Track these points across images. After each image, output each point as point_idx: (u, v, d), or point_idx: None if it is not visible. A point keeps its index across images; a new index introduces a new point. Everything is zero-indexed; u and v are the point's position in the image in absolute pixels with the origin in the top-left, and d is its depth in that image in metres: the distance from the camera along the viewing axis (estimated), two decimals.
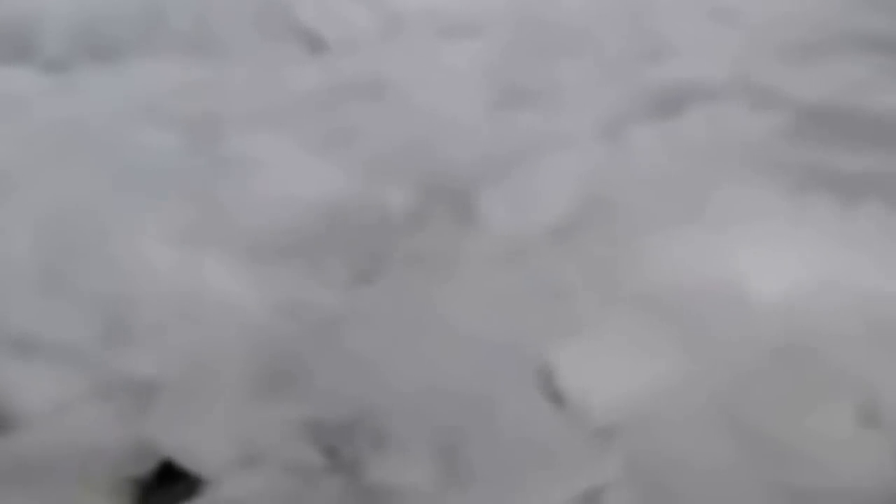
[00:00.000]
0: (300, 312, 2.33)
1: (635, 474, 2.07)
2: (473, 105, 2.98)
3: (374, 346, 2.27)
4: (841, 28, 3.34)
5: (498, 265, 2.43)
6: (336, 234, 2.56)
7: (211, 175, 2.66)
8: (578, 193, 2.65)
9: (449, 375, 2.20)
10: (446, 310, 2.31)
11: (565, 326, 2.25)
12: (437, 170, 2.75)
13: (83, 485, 2.11)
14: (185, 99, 2.90)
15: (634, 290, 2.31)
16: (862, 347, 2.18)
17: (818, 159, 2.83)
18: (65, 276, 2.38)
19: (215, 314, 2.31)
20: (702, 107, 3.05)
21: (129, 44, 3.15)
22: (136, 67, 3.05)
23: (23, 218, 2.54)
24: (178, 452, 2.15)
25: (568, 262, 2.40)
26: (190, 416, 2.17)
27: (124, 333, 2.30)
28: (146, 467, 2.17)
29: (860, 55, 3.22)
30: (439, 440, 2.13)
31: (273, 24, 3.34)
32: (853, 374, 2.15)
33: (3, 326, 2.32)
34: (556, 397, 2.17)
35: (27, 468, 2.10)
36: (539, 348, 2.21)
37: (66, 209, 2.52)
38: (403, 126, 2.90)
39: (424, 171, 2.75)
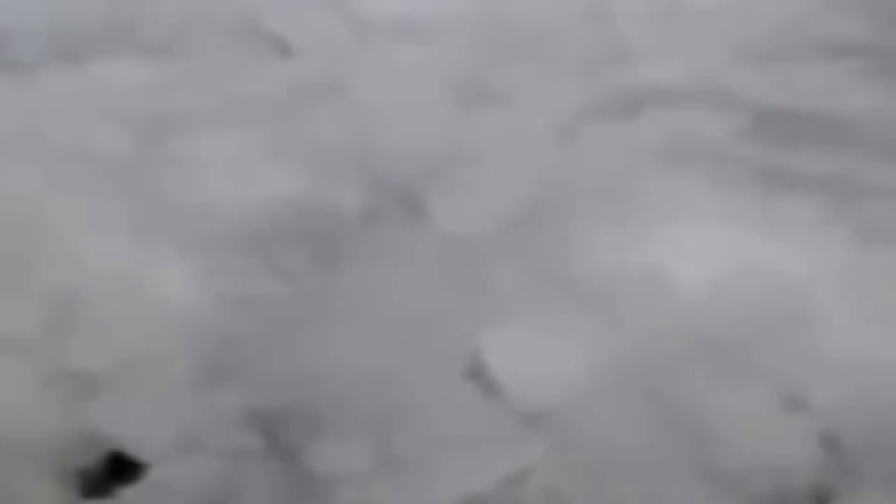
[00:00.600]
0: (244, 304, 2.39)
1: (561, 457, 2.13)
2: (430, 106, 3.04)
3: (314, 336, 2.32)
4: (800, 32, 3.38)
5: (440, 260, 2.48)
6: (286, 230, 2.62)
7: (163, 172, 2.72)
8: (527, 191, 2.71)
9: (383, 364, 2.27)
10: (385, 302, 2.37)
11: (496, 316, 2.31)
12: (390, 168, 2.81)
13: (29, 475, 2.16)
14: (144, 99, 2.96)
15: (565, 280, 2.38)
16: (783, 333, 2.24)
17: (771, 159, 2.88)
18: (11, 268, 2.43)
19: (160, 307, 2.36)
20: (659, 108, 3.09)
21: (94, 46, 3.21)
22: (99, 68, 3.11)
23: None
24: (122, 441, 2.20)
25: (507, 256, 2.46)
26: (133, 405, 2.22)
27: (69, 326, 2.35)
28: (92, 457, 2.21)
29: (818, 58, 3.27)
30: (373, 426, 2.18)
31: (240, 29, 3.39)
32: (775, 358, 2.20)
33: None
34: (486, 383, 2.23)
35: None
36: (470, 337, 2.27)
37: (13, 204, 2.57)
38: (359, 126, 2.96)
39: (377, 169, 2.81)
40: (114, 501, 2.14)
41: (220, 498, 2.10)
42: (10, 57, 3.18)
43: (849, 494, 2.10)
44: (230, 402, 2.22)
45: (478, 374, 2.24)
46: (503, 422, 2.18)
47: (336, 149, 2.88)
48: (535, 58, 3.31)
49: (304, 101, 3.04)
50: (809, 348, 2.25)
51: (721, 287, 2.35)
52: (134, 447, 2.20)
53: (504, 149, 2.88)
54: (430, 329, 2.30)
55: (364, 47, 3.33)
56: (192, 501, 2.10)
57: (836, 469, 2.14)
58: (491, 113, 3.06)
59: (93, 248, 2.47)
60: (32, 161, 2.72)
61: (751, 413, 2.15)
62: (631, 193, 2.69)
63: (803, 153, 2.87)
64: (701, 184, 2.70)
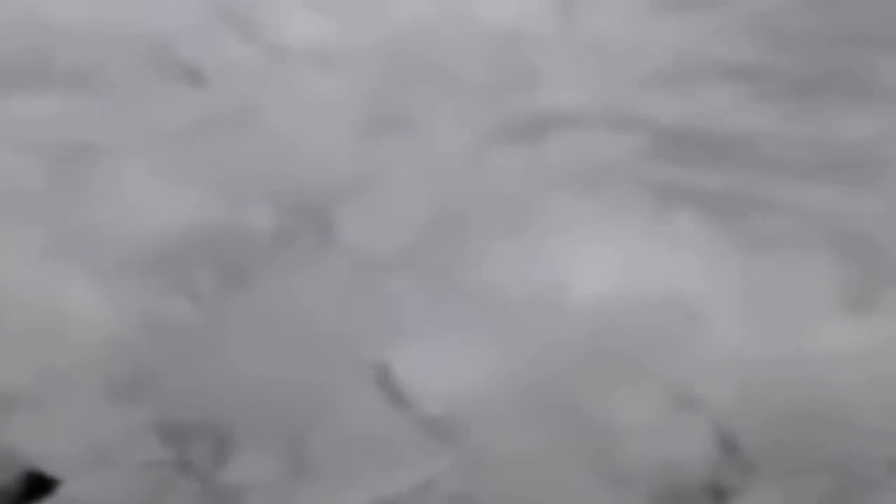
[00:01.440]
0: (156, 324, 2.44)
1: (467, 462, 2.20)
2: (340, 131, 3.11)
3: (225, 352, 2.39)
4: (698, 57, 3.49)
5: (348, 277, 2.56)
6: (198, 252, 2.68)
7: (77, 201, 2.77)
8: (432, 212, 2.79)
9: (295, 379, 2.33)
10: (294, 318, 2.44)
11: (402, 329, 2.39)
12: (300, 192, 2.88)
13: None
14: (59, 130, 3.01)
15: (466, 295, 2.48)
16: (673, 339, 2.34)
17: (668, 177, 2.99)
18: None
19: (74, 327, 2.41)
20: (563, 131, 3.19)
21: (8, 79, 3.25)
22: (13, 102, 3.15)
23: None
24: (37, 458, 2.24)
25: (412, 273, 2.54)
26: (47, 422, 2.27)
27: None
28: (9, 475, 2.25)
29: (715, 82, 3.38)
30: (286, 438, 2.25)
31: (154, 59, 3.44)
32: (667, 362, 2.30)
33: None
34: (393, 394, 2.31)
35: None
36: (377, 349, 2.35)
37: None
38: (270, 152, 3.02)
39: (288, 193, 2.88)
40: None
41: None
42: None
43: (744, 488, 2.20)
44: (142, 418, 2.28)
45: (385, 384, 2.32)
46: (411, 430, 2.26)
47: (248, 173, 2.95)
48: (444, 85, 3.39)
49: (217, 129, 3.11)
50: (699, 352, 2.37)
51: (614, 297, 2.47)
52: (48, 464, 2.25)
53: (411, 172, 2.96)
54: (339, 342, 2.38)
55: (277, 75, 3.40)
56: None
57: (731, 464, 2.23)
58: (399, 138, 3.13)
59: (8, 272, 2.52)
60: None
61: (646, 414, 2.25)
62: (531, 212, 2.79)
63: (698, 171, 2.98)
64: (599, 202, 2.80)
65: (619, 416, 2.27)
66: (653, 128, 3.18)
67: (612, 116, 3.25)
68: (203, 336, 2.43)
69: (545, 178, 2.97)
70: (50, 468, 2.24)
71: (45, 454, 2.24)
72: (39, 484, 2.27)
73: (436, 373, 2.33)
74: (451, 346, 2.38)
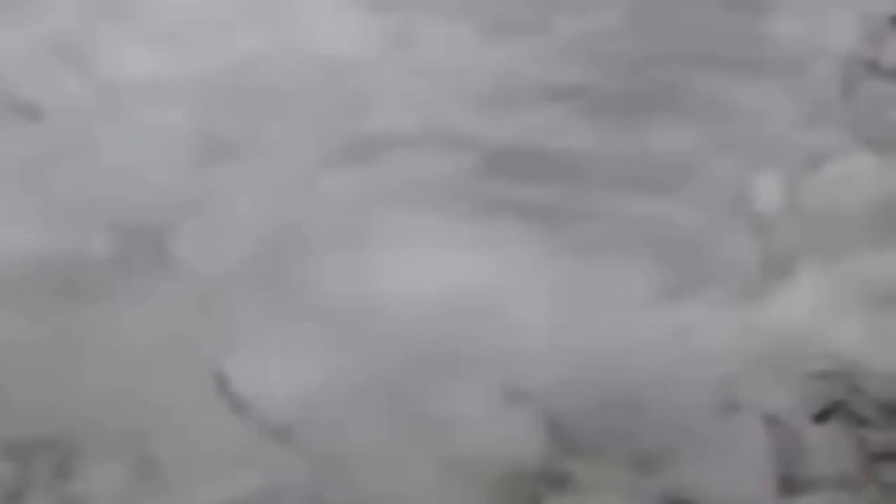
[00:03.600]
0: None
1: (311, 468, 2.31)
2: (176, 162, 3.20)
3: (68, 371, 2.46)
4: (523, 78, 3.64)
5: (185, 297, 2.66)
6: (40, 278, 2.74)
7: None
8: (266, 234, 2.91)
9: (138, 392, 2.41)
10: (133, 336, 2.54)
11: (238, 342, 2.50)
12: (137, 220, 2.96)
13: None
14: None
15: (300, 309, 2.64)
16: (497, 337, 2.51)
17: (494, 192, 3.13)
18: None
19: None
20: (396, 153, 3.31)
21: None
22: None
23: None
24: None
25: (248, 291, 2.68)
26: None
27: None
28: None
29: (538, 102, 3.53)
30: (131, 449, 2.32)
31: None
32: (492, 359, 2.45)
33: None
34: (235, 402, 2.41)
35: None
36: (217, 362, 2.46)
37: None
38: (106, 184, 3.10)
39: (126, 220, 2.96)
40: None
41: None
42: None
43: (577, 473, 2.34)
44: None
45: (226, 394, 2.42)
46: (253, 436, 2.36)
47: (84, 205, 3.02)
48: (278, 114, 3.49)
49: (52, 163, 3.17)
50: (523, 348, 2.52)
51: (441, 303, 2.65)
52: None
53: (246, 198, 3.07)
54: (179, 355, 2.47)
55: (111, 109, 3.46)
56: None
57: (563, 450, 2.38)
58: (234, 166, 3.23)
59: None
60: None
61: (477, 408, 2.39)
62: (364, 229, 2.92)
63: (523, 186, 3.14)
64: (427, 216, 2.96)
65: (452, 411, 2.41)
66: (480, 147, 3.31)
67: (441, 137, 3.37)
68: (46, 356, 2.50)
69: (377, 197, 3.09)
70: None
71: None
72: None
73: (275, 380, 2.45)
74: (288, 355, 2.51)
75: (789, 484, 2.36)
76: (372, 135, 3.35)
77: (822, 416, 2.49)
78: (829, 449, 2.44)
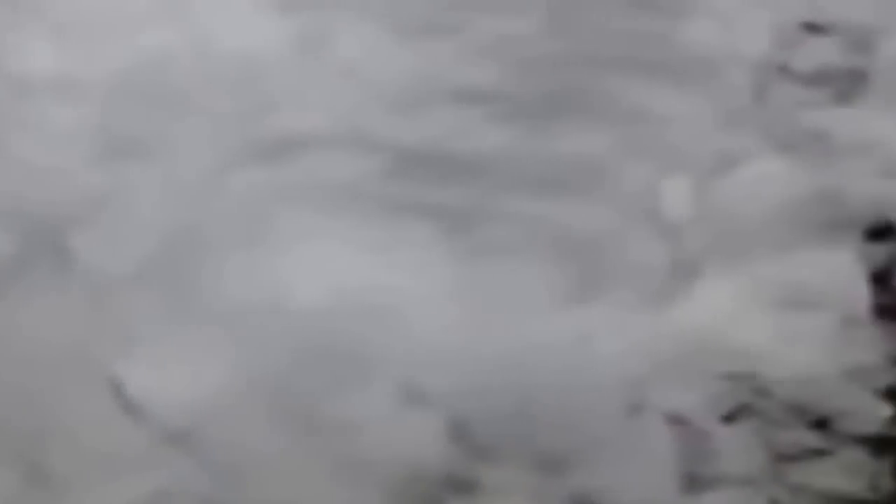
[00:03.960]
0: None
1: (206, 470, 2.26)
2: (78, 159, 3.14)
3: None
4: (435, 80, 3.62)
5: (84, 298, 2.61)
6: None
7: None
8: (169, 234, 2.86)
9: (30, 394, 2.36)
10: (30, 339, 2.48)
11: (135, 343, 2.45)
12: (38, 218, 2.90)
13: None
14: None
15: (199, 309, 2.59)
16: (397, 338, 2.48)
17: (402, 194, 3.11)
18: None
19: None
20: (305, 153, 3.27)
21: None
22: None
23: None
24: None
25: (147, 291, 2.63)
26: None
27: None
28: None
29: (452, 105, 3.51)
30: (23, 452, 2.27)
31: None
32: (392, 360, 2.42)
33: None
34: (129, 405, 2.36)
35: None
36: (112, 365, 2.40)
37: None
38: (10, 182, 3.04)
39: (25, 220, 2.89)
40: None
41: None
42: None
43: (481, 477, 2.32)
44: None
45: (120, 397, 2.36)
46: (148, 440, 2.31)
47: None
48: (186, 112, 3.44)
49: None
50: (423, 349, 2.49)
51: (339, 302, 2.60)
52: None
53: (149, 194, 3.01)
54: (74, 358, 2.41)
55: (15, 105, 3.40)
56: None
57: (467, 454, 2.35)
58: (141, 165, 3.18)
59: None
60: None
61: (377, 410, 2.35)
62: (268, 229, 2.88)
63: (432, 189, 3.11)
64: (333, 218, 2.93)
65: (351, 413, 2.37)
66: (391, 149, 3.29)
67: (352, 138, 3.34)
68: None
69: (283, 197, 3.05)
70: None
71: None
72: None
73: (172, 384, 2.40)
74: (186, 358, 2.46)
75: (693, 482, 2.36)
76: (281, 135, 3.31)
77: (729, 417, 2.50)
78: (736, 449, 2.44)
